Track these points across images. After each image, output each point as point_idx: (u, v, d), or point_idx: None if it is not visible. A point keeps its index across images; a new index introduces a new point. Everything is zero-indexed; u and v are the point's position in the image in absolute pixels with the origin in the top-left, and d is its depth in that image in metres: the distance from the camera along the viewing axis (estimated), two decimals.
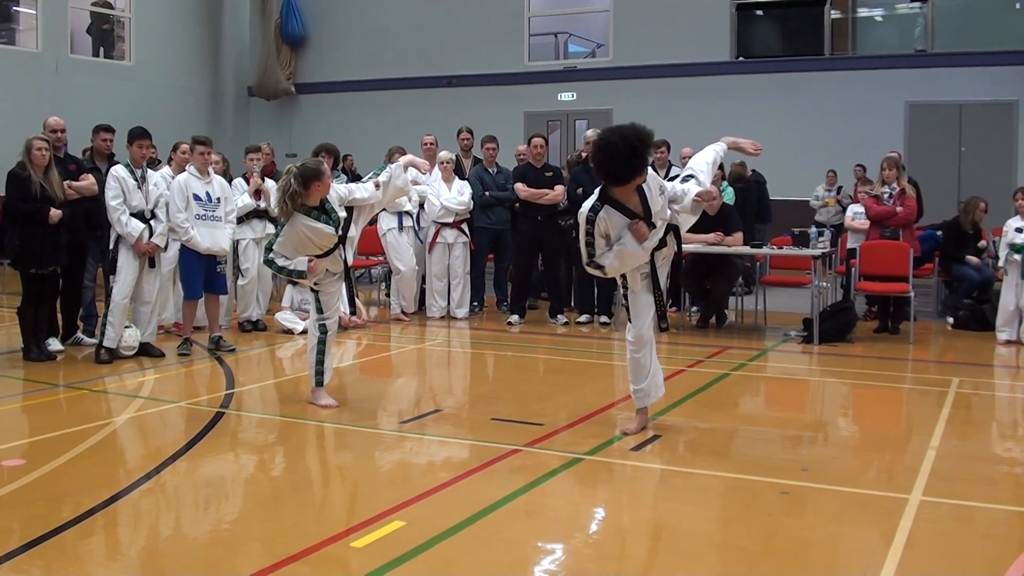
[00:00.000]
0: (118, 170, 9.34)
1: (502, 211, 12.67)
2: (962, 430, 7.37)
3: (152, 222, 9.46)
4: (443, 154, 12.34)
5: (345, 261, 7.50)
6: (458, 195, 12.18)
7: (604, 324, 11.88)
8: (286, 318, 11.25)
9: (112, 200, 9.22)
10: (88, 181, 9.82)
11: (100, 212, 9.68)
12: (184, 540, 4.90)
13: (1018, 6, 18.59)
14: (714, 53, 19.40)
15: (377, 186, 7.66)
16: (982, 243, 12.34)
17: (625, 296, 6.76)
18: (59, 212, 9.11)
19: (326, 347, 7.61)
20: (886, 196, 11.59)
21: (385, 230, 12.11)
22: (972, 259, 12.13)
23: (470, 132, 13.50)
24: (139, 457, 6.53)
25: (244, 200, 11.04)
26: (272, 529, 5.02)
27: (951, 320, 12.02)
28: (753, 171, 15.52)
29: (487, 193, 12.48)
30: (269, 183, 11.54)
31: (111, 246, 9.41)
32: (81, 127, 11.22)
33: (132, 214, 9.30)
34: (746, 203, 14.64)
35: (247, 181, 11.27)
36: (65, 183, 9.44)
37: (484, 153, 12.86)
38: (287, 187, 7.06)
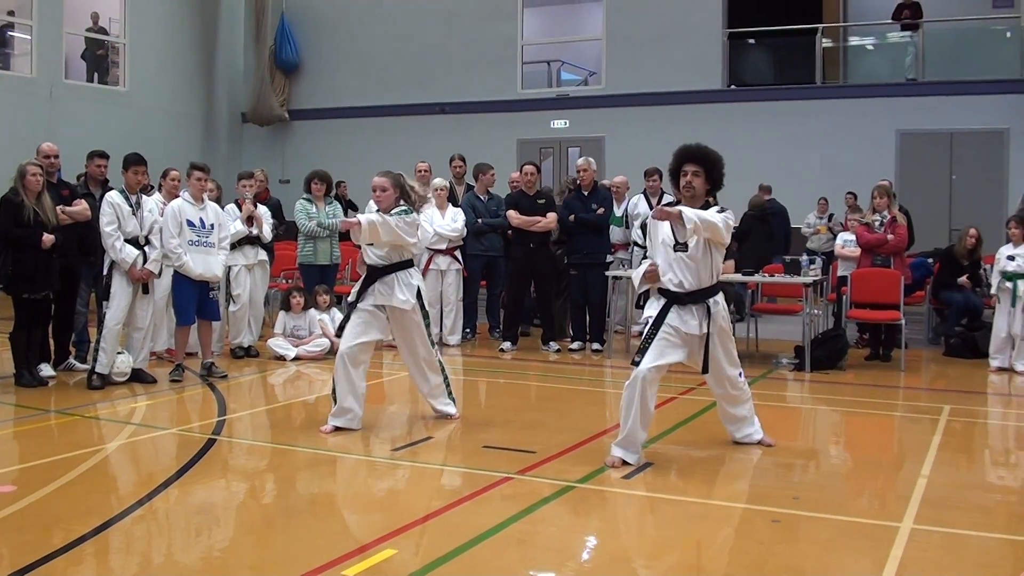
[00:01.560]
0: (113, 196, 9.35)
1: (495, 238, 12.69)
2: (954, 457, 7.39)
3: (146, 248, 9.47)
4: (437, 181, 12.36)
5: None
6: (451, 222, 12.20)
7: (596, 351, 11.89)
8: (278, 344, 11.25)
9: (107, 226, 9.23)
10: (81, 206, 9.83)
11: (93, 237, 9.69)
12: (175, 568, 4.88)
13: (1008, 35, 18.72)
14: (706, 81, 19.50)
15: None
16: (980, 277, 12.38)
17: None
18: (52, 237, 9.13)
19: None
20: (877, 224, 11.63)
21: None
22: (962, 280, 12.20)
23: (462, 160, 13.54)
24: (131, 484, 6.53)
25: (237, 226, 11.06)
26: (263, 557, 5.01)
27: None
28: (772, 199, 15.59)
29: (480, 221, 12.50)
30: (262, 209, 11.56)
31: (105, 272, 9.41)
32: (75, 152, 11.25)
33: (126, 240, 9.30)
34: (751, 231, 14.63)
35: (239, 207, 11.28)
36: (58, 208, 9.46)
37: (481, 180, 12.87)
38: None
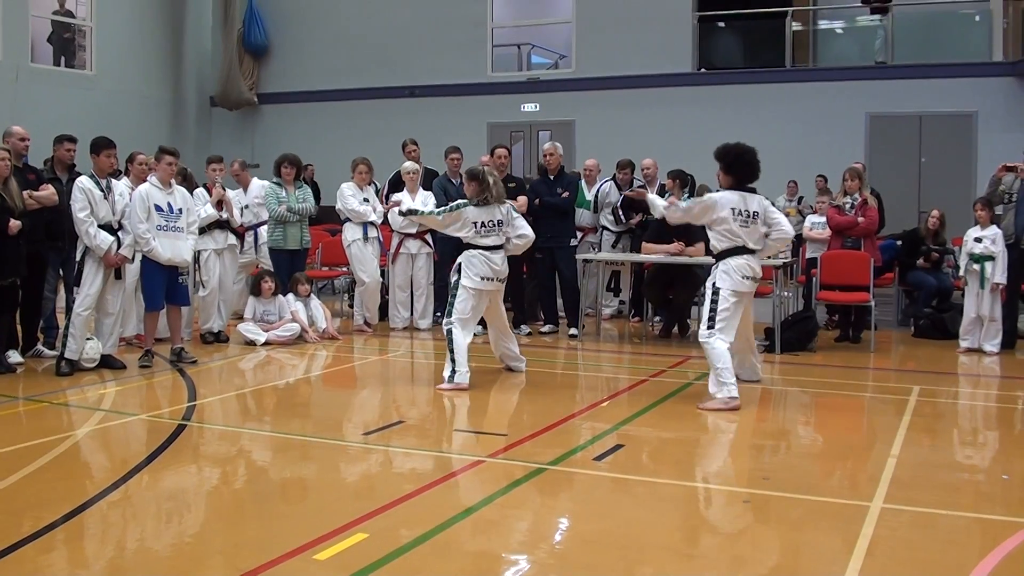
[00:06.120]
0: (84, 181, 9.23)
1: None
2: (923, 438, 7.44)
3: (119, 233, 9.39)
4: (408, 165, 12.34)
5: None
6: (421, 205, 12.14)
7: (572, 336, 11.82)
8: (248, 330, 11.19)
9: (80, 212, 9.11)
10: (48, 191, 9.69)
11: (61, 223, 9.58)
12: (146, 554, 4.86)
13: (977, 19, 18.82)
14: (676, 64, 19.50)
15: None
16: (946, 257, 12.48)
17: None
18: (19, 223, 9.01)
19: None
20: (848, 206, 11.69)
21: (350, 241, 12.09)
22: (921, 263, 12.34)
23: (415, 144, 13.35)
24: (101, 470, 6.48)
25: (207, 211, 10.99)
26: (235, 542, 4.99)
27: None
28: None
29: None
30: (231, 193, 11.49)
31: (78, 258, 9.31)
32: (41, 137, 11.08)
33: (100, 226, 9.21)
34: None
35: (209, 192, 11.21)
36: (25, 193, 9.35)
37: (448, 164, 12.83)
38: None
